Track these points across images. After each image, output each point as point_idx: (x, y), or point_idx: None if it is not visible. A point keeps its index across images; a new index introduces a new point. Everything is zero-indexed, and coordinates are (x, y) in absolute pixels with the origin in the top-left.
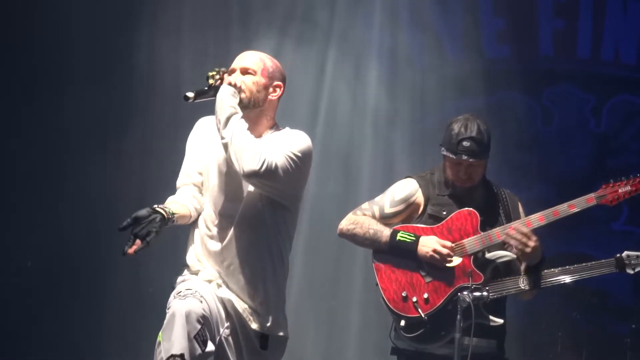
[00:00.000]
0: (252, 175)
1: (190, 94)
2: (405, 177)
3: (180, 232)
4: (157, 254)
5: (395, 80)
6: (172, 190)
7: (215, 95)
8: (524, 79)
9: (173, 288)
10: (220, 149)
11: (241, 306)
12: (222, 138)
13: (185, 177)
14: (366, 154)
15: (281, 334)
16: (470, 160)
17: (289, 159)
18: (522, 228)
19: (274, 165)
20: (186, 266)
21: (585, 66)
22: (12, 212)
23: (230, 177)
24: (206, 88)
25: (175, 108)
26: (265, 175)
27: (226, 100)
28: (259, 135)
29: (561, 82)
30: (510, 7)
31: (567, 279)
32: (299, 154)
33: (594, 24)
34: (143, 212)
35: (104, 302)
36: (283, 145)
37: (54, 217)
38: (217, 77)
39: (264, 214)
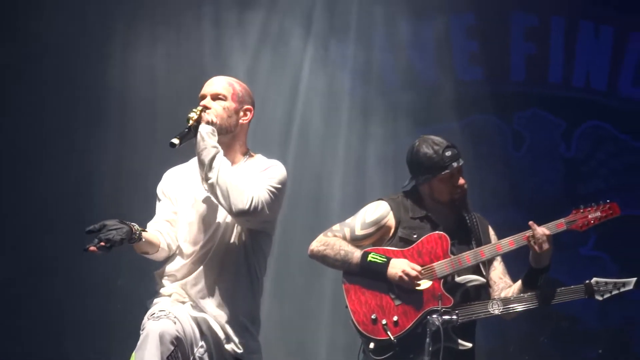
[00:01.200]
0: (241, 215)
1: (176, 141)
2: (377, 200)
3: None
4: (126, 271)
5: (367, 103)
6: (146, 202)
7: (195, 136)
8: (495, 102)
9: (147, 310)
10: (195, 184)
11: (216, 326)
12: (208, 179)
13: (159, 217)
14: (338, 176)
15: (254, 358)
16: (461, 163)
17: (271, 193)
18: (545, 230)
19: (260, 202)
20: (160, 286)
21: (556, 91)
22: None
23: (207, 208)
24: (187, 130)
25: (148, 123)
26: (254, 213)
27: (207, 140)
28: (233, 162)
29: (532, 106)
30: (482, 30)
31: (537, 304)
32: (279, 186)
33: (565, 49)
34: (112, 220)
35: (74, 320)
36: (263, 178)
37: (18, 235)
38: (195, 117)
39: (242, 240)
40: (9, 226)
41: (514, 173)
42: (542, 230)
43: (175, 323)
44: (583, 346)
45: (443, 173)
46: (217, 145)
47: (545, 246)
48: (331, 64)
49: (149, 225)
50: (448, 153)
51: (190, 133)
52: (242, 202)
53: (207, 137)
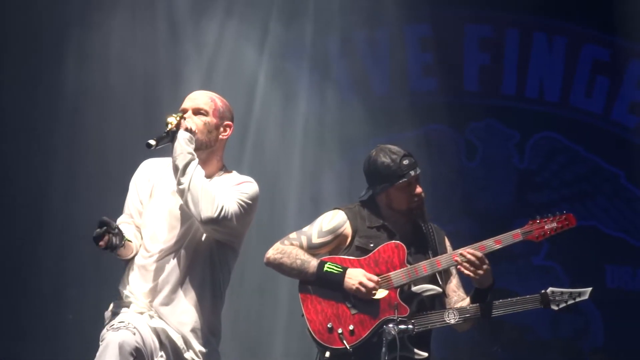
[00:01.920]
0: (208, 222)
1: (152, 142)
2: (334, 209)
3: (103, 259)
4: (77, 280)
5: (323, 114)
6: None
7: (172, 141)
8: (449, 113)
9: (104, 320)
10: (167, 191)
11: (175, 336)
12: (180, 184)
13: (128, 217)
14: (293, 185)
15: None
16: (418, 171)
17: (241, 207)
18: (475, 252)
19: (229, 213)
20: (119, 297)
21: (510, 102)
22: None
23: (175, 217)
24: (164, 133)
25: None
26: (221, 222)
27: (184, 146)
28: (209, 176)
29: (485, 117)
30: (436, 42)
31: (492, 313)
32: (250, 201)
33: (519, 60)
34: (112, 222)
35: (24, 328)
36: (235, 192)
37: None
38: (175, 122)
39: (209, 252)
40: None
41: (467, 183)
42: (472, 255)
43: (134, 334)
44: (535, 356)
45: (400, 181)
46: (193, 152)
47: (480, 272)
48: (286, 74)
49: (121, 221)
50: (405, 162)
51: (167, 137)
52: (211, 210)
53: (184, 143)
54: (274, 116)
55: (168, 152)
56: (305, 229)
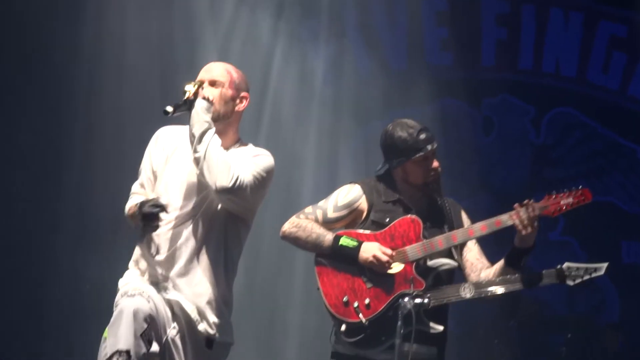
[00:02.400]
0: (223, 191)
1: (170, 108)
2: (350, 183)
3: (119, 231)
4: (95, 253)
5: (339, 88)
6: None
7: (189, 109)
8: (465, 88)
9: (118, 290)
10: (184, 159)
11: (189, 307)
12: (196, 152)
13: (140, 187)
14: (310, 160)
15: (227, 339)
16: (435, 145)
17: (256, 179)
18: (535, 205)
19: (244, 183)
20: (133, 267)
21: (526, 77)
22: None
23: (191, 186)
24: (182, 101)
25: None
26: (236, 192)
27: (201, 115)
28: (225, 148)
29: (502, 92)
30: (454, 17)
31: (506, 288)
32: (265, 174)
33: (536, 35)
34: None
35: (43, 302)
36: (251, 164)
37: None
38: (193, 90)
39: (223, 223)
40: None
41: (483, 159)
42: (526, 212)
43: (149, 302)
44: (551, 331)
45: (417, 155)
46: (210, 121)
47: (531, 228)
48: (302, 49)
49: (134, 191)
50: (422, 136)
51: (184, 105)
52: (226, 179)
53: (201, 112)
54: (290, 90)
55: (184, 120)
56: (320, 203)
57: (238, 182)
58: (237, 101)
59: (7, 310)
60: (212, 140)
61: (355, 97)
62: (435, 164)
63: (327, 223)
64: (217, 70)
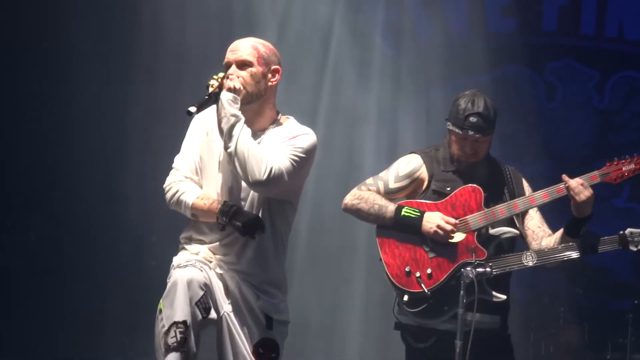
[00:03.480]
0: (257, 185)
1: (193, 109)
2: (410, 153)
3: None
4: (159, 229)
5: (399, 56)
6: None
7: (216, 103)
8: (527, 54)
9: (172, 267)
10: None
11: (244, 285)
12: (227, 148)
13: (191, 172)
14: (370, 130)
15: (284, 317)
16: (477, 135)
17: (294, 162)
18: (579, 179)
19: (279, 171)
20: (185, 245)
21: (589, 42)
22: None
23: (232, 172)
24: (206, 97)
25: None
26: (271, 183)
27: (227, 108)
28: (263, 128)
29: (565, 57)
30: None
31: (571, 255)
32: (304, 155)
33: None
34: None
35: (107, 278)
36: (288, 148)
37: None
38: (216, 84)
39: (267, 208)
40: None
41: (546, 125)
42: (576, 181)
43: (202, 271)
44: (618, 297)
45: (456, 130)
46: (238, 113)
47: (584, 195)
48: (362, 16)
49: (183, 176)
50: (473, 119)
51: (210, 100)
52: (259, 172)
53: (227, 105)
54: (350, 59)
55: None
56: (381, 174)
57: (273, 173)
58: (269, 76)
59: (71, 284)
60: (242, 134)
61: (415, 65)
62: (471, 151)
63: (389, 193)
64: (243, 49)
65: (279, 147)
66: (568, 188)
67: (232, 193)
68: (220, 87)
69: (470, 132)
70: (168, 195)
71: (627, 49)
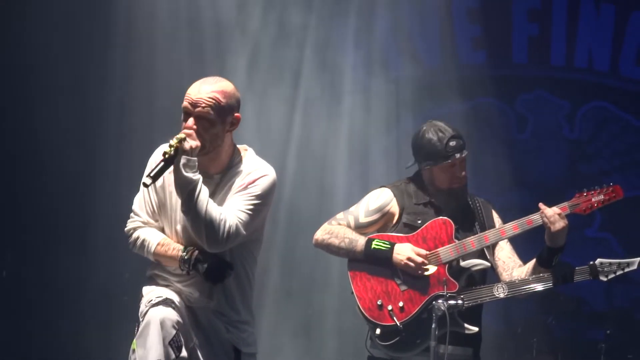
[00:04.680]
0: (216, 248)
1: (148, 181)
2: (380, 187)
3: None
4: (132, 266)
5: (370, 88)
6: None
7: (172, 165)
8: (498, 85)
9: (142, 296)
10: None
11: (217, 318)
12: (184, 212)
13: (150, 217)
14: (341, 164)
15: (252, 350)
16: (463, 155)
17: (251, 212)
18: (557, 209)
19: (235, 229)
20: (153, 279)
21: (559, 72)
22: None
23: None
24: (162, 164)
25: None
26: (229, 242)
27: (183, 175)
28: (220, 170)
29: (535, 88)
30: (485, 14)
31: (540, 286)
32: (260, 201)
33: (567, 30)
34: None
35: (79, 315)
36: (244, 195)
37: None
38: (172, 150)
39: (233, 248)
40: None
41: (518, 156)
42: (552, 210)
43: (174, 308)
44: (590, 327)
45: (444, 162)
46: (194, 178)
47: (559, 225)
48: (333, 48)
49: (143, 221)
50: (452, 143)
51: (165, 167)
52: (215, 238)
53: (183, 171)
54: (320, 93)
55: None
56: (352, 208)
57: (230, 234)
58: (228, 126)
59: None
60: (198, 200)
61: (386, 98)
62: (462, 172)
63: (359, 228)
64: (204, 101)
65: (235, 198)
66: (544, 216)
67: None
68: (177, 151)
69: (457, 155)
70: (130, 241)
71: (596, 79)
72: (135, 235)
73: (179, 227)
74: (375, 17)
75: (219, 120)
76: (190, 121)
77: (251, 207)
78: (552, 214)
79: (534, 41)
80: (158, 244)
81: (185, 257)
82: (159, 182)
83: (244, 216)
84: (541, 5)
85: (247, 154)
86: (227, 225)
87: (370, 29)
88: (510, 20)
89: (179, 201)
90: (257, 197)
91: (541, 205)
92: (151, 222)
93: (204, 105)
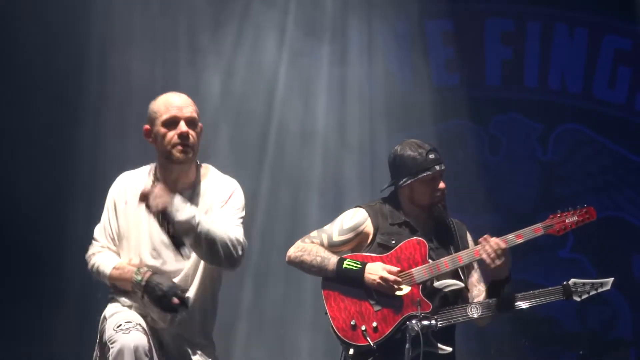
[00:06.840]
0: (236, 265)
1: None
2: (355, 207)
3: None
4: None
5: (344, 111)
6: None
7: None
8: (472, 107)
9: (104, 318)
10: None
11: (183, 340)
12: (194, 246)
13: (109, 242)
14: (315, 184)
15: None
16: (443, 167)
17: (240, 222)
18: (499, 242)
19: (242, 240)
20: (118, 300)
21: (532, 95)
22: None
23: (161, 239)
24: (171, 240)
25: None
26: (244, 255)
27: (179, 219)
28: (188, 185)
29: (508, 110)
30: (458, 36)
31: (515, 307)
32: (244, 212)
33: (541, 52)
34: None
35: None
36: (230, 210)
37: None
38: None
39: (197, 270)
40: None
41: (491, 177)
42: (491, 247)
43: (144, 334)
44: (564, 348)
45: (425, 174)
46: (189, 214)
47: (498, 262)
48: (306, 72)
49: (102, 246)
50: (431, 156)
51: (173, 237)
52: (231, 256)
53: (177, 217)
54: (294, 114)
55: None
56: (326, 227)
57: (244, 247)
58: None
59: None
60: (203, 229)
61: (359, 120)
62: (442, 185)
63: (333, 246)
64: (189, 106)
65: (223, 215)
66: (482, 252)
67: (160, 257)
68: (162, 218)
69: (437, 167)
70: (89, 267)
71: (570, 102)
72: (92, 260)
73: (150, 254)
74: (348, 39)
75: (199, 121)
76: (183, 126)
77: (240, 218)
78: (492, 251)
79: (508, 64)
80: (114, 268)
81: (137, 281)
82: (122, 212)
83: (239, 228)
84: (515, 28)
85: (211, 170)
86: (237, 242)
87: (344, 51)
88: (483, 43)
89: (147, 228)
90: (240, 209)
91: (486, 236)
92: (110, 246)
93: (191, 109)
